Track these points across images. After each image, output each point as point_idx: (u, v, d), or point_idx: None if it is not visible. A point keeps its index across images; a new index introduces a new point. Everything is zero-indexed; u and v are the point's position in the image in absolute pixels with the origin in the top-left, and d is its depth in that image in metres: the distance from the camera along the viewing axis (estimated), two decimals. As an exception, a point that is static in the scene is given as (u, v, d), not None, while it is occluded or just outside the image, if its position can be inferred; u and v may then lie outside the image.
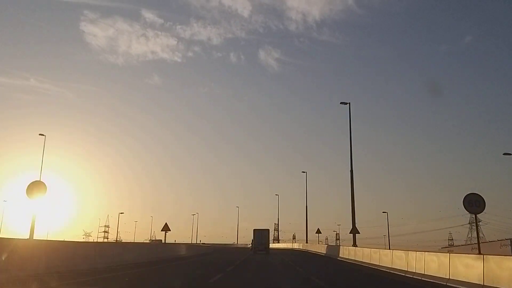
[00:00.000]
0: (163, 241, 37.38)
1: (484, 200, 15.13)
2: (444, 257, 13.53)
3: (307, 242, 52.87)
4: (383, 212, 77.17)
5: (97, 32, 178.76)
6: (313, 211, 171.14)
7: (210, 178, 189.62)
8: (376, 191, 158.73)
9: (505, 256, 11.24)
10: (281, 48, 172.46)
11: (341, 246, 32.25)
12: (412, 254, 16.11)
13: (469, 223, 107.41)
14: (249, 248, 68.72)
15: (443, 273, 13.13)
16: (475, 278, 11.27)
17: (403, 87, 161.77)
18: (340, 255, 29.61)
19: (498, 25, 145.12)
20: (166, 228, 30.80)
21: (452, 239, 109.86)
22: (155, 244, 40.46)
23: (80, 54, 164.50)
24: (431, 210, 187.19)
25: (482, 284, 10.81)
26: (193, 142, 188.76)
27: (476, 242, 17.33)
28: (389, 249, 25.41)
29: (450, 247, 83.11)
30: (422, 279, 14.45)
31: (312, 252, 45.86)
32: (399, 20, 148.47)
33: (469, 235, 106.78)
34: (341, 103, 32.13)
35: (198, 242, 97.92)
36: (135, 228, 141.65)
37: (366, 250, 23.46)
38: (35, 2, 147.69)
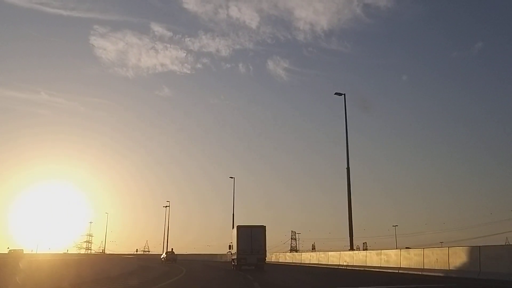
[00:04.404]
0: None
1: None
2: None
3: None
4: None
5: (107, 46, 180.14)
6: (316, 218, 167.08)
7: (222, 188, 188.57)
8: (423, 196, 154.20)
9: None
10: (289, 58, 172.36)
11: None
12: None
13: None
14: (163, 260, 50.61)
15: None
16: None
17: (415, 92, 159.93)
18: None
19: (509, 31, 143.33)
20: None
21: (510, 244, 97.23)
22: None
23: (90, 68, 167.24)
24: (481, 215, 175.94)
25: None
26: (204, 153, 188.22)
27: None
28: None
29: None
30: None
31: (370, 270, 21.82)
32: (408, 28, 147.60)
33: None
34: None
35: (169, 250, 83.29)
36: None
37: None
38: (46, 17, 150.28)
